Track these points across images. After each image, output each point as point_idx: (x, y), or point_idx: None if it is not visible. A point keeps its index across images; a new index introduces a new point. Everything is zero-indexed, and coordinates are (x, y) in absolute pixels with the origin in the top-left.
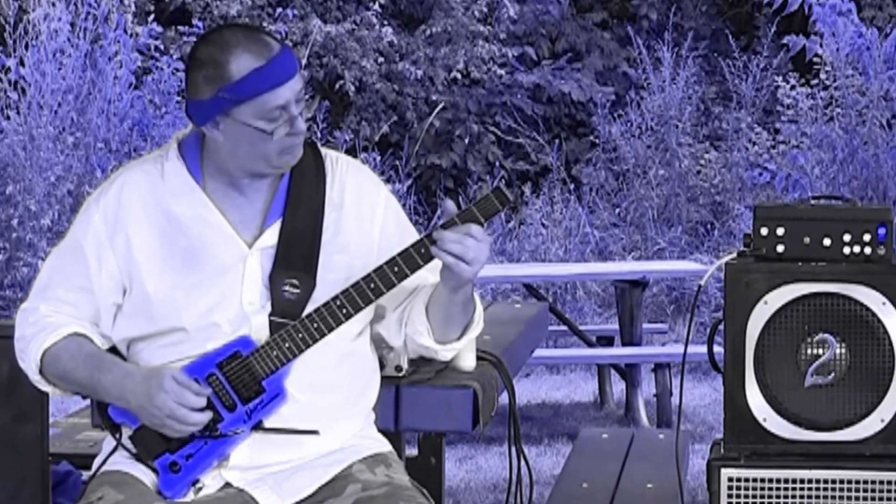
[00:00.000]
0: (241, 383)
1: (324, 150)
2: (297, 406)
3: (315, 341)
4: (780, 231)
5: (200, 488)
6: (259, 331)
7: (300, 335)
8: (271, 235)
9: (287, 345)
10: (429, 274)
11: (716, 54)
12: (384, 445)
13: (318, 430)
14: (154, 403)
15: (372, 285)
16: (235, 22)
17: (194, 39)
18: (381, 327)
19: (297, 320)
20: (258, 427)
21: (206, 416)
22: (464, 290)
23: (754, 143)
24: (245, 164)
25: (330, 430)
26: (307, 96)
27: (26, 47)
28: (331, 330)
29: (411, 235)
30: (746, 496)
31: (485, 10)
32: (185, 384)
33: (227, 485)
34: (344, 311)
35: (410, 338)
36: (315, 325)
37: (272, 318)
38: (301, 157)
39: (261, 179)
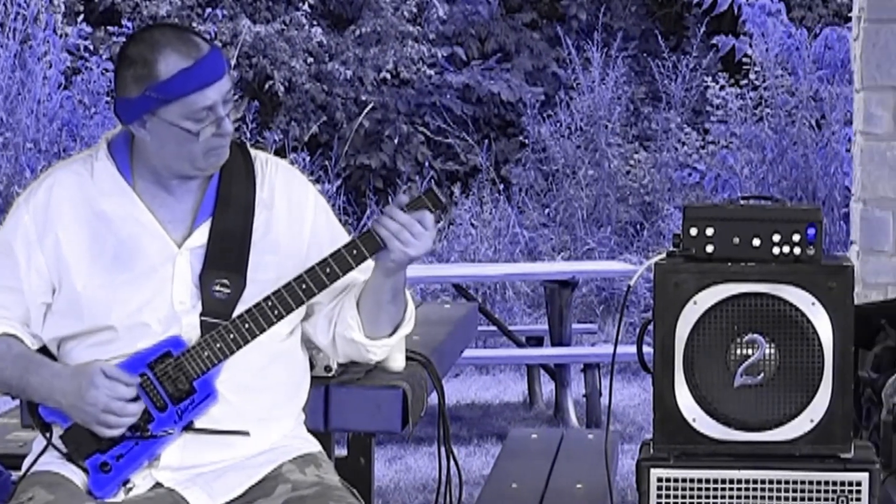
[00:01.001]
0: (172, 383)
1: (253, 152)
2: (228, 407)
3: (246, 342)
4: (710, 231)
5: (131, 488)
6: (190, 331)
7: (231, 336)
8: (201, 235)
9: (218, 345)
10: (359, 274)
11: (645, 54)
12: (314, 446)
13: (248, 432)
14: (86, 401)
15: (304, 286)
16: (167, 22)
17: (123, 40)
18: (309, 325)
19: (228, 321)
20: (189, 427)
21: (140, 407)
22: (395, 278)
23: (684, 144)
24: (171, 165)
25: (261, 430)
26: (236, 97)
27: None
28: (262, 331)
29: (341, 236)
30: (676, 496)
31: (414, 10)
32: (114, 377)
33: (158, 485)
34: (275, 311)
35: (340, 335)
36: (246, 325)
37: (203, 318)
38: (230, 157)
39: (190, 180)
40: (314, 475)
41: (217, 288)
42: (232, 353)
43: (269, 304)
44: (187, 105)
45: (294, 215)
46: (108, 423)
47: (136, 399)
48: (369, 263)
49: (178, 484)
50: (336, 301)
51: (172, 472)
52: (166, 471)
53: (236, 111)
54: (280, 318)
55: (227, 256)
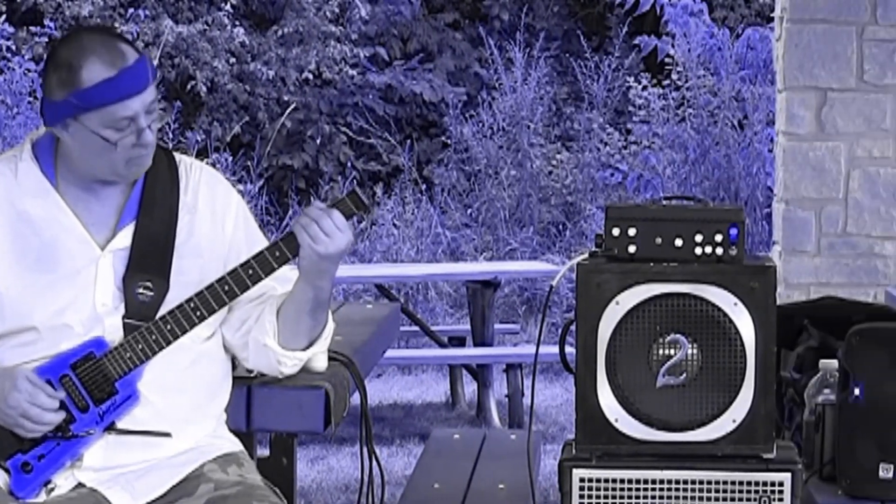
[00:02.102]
0: (94, 384)
1: (178, 156)
2: (150, 408)
3: (168, 343)
4: (632, 231)
5: (52, 489)
6: (113, 332)
7: (153, 337)
8: (124, 238)
9: (140, 346)
10: (277, 284)
11: (567, 55)
12: (235, 445)
13: (170, 433)
14: (7, 403)
15: (226, 287)
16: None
17: (46, 40)
18: (225, 327)
19: (150, 322)
20: (111, 428)
21: (59, 417)
22: (317, 288)
23: (606, 144)
24: (92, 170)
25: (183, 431)
26: (162, 108)
27: None
28: (184, 332)
29: (259, 241)
30: (598, 496)
31: (336, 10)
32: (38, 385)
33: (80, 485)
34: (198, 313)
35: (255, 339)
36: (168, 326)
37: (126, 319)
38: (155, 161)
39: (113, 184)
40: (236, 475)
41: (140, 290)
42: (154, 354)
43: (192, 305)
44: (108, 114)
45: (217, 219)
46: (24, 428)
47: (59, 408)
48: (291, 273)
49: (100, 484)
50: (253, 304)
51: (95, 472)
52: (89, 471)
53: (159, 121)
54: (202, 319)
55: (150, 259)
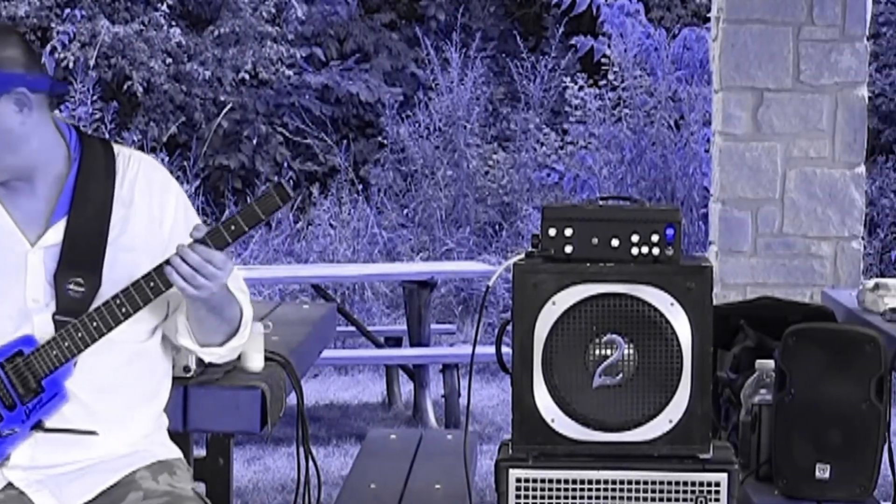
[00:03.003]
0: (22, 382)
1: (117, 148)
2: (80, 406)
3: (94, 340)
4: (569, 232)
5: None
6: (43, 329)
7: (80, 334)
8: (56, 234)
9: (66, 343)
10: None
11: (504, 55)
12: (172, 452)
13: (96, 431)
14: None
15: (152, 283)
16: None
17: None
18: (166, 325)
19: (77, 319)
20: (38, 426)
21: None
22: (205, 300)
23: (542, 144)
24: None
25: (115, 431)
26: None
27: None
28: (110, 328)
29: None
30: (535, 497)
31: (273, 10)
32: None
33: (10, 485)
34: (123, 309)
35: (175, 338)
36: (94, 323)
37: (56, 316)
38: (91, 154)
39: (46, 177)
40: (167, 484)
41: (71, 287)
42: (80, 351)
43: (118, 302)
44: None
45: (154, 213)
46: None
47: None
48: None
49: (28, 486)
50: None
51: (24, 471)
52: (17, 470)
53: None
54: (128, 316)
55: (82, 255)
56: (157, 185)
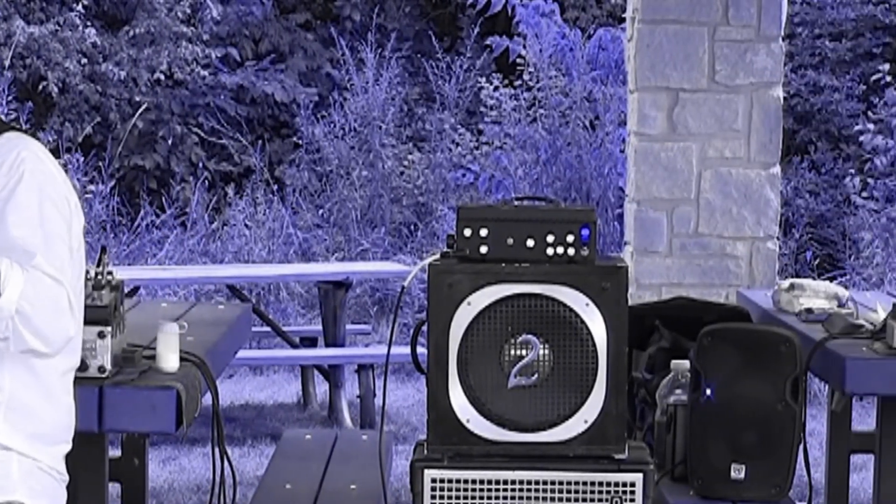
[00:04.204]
0: None
1: (8, 135)
2: None
3: None
4: (484, 232)
5: None
6: None
7: None
8: None
9: None
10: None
11: (419, 55)
12: (12, 494)
13: None
14: None
15: None
16: None
17: None
18: None
19: None
20: None
21: None
22: None
23: (458, 145)
24: None
25: None
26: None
27: None
28: None
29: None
30: (450, 497)
31: (188, 11)
32: None
33: None
34: None
35: None
36: None
37: None
38: None
39: None
40: None
41: None
42: None
43: None
44: None
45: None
46: None
47: None
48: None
49: None
50: None
51: None
52: None
53: None
54: None
55: None
56: (6, 176)
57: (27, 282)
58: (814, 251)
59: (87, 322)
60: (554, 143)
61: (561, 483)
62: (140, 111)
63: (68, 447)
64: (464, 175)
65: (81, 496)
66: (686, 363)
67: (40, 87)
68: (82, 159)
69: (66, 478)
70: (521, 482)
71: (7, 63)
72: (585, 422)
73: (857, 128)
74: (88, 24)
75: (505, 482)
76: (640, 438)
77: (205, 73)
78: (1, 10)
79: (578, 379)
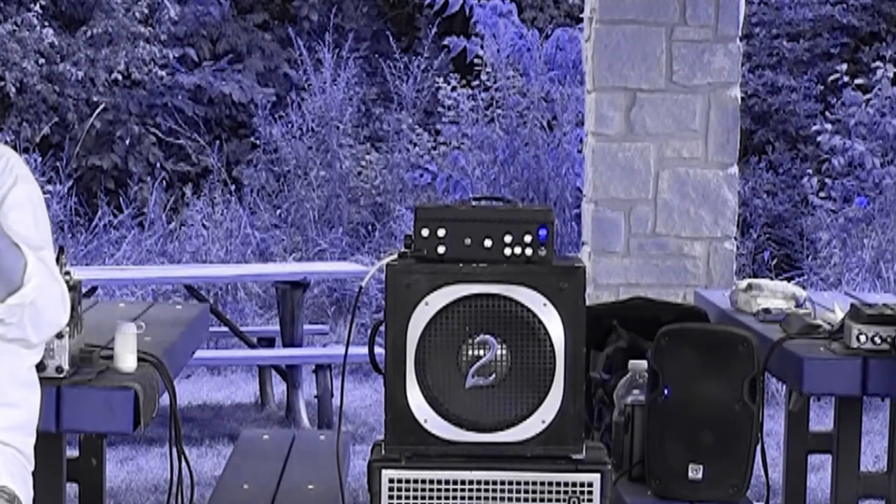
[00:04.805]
0: None
1: None
2: None
3: None
4: (441, 232)
5: None
6: None
7: None
8: None
9: None
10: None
11: (377, 55)
12: None
13: None
14: None
15: None
16: None
17: None
18: None
19: None
20: None
21: None
22: None
23: (415, 145)
24: None
25: None
26: None
27: None
28: None
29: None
30: (407, 497)
31: (146, 11)
32: None
33: None
34: None
35: None
36: None
37: None
38: None
39: None
40: None
41: None
42: None
43: None
44: None
45: None
46: None
47: None
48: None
49: None
50: None
51: None
52: None
53: None
54: None
55: None
56: None
57: (40, 274)
58: (771, 251)
59: None
60: (511, 144)
61: (518, 483)
62: (98, 111)
63: (34, 439)
64: (421, 175)
65: (39, 496)
66: (644, 363)
67: None
68: (40, 159)
69: (33, 467)
70: (479, 482)
71: None
72: (543, 422)
73: (814, 128)
74: (46, 24)
75: (462, 482)
76: (597, 439)
77: (162, 73)
78: None
79: (536, 379)
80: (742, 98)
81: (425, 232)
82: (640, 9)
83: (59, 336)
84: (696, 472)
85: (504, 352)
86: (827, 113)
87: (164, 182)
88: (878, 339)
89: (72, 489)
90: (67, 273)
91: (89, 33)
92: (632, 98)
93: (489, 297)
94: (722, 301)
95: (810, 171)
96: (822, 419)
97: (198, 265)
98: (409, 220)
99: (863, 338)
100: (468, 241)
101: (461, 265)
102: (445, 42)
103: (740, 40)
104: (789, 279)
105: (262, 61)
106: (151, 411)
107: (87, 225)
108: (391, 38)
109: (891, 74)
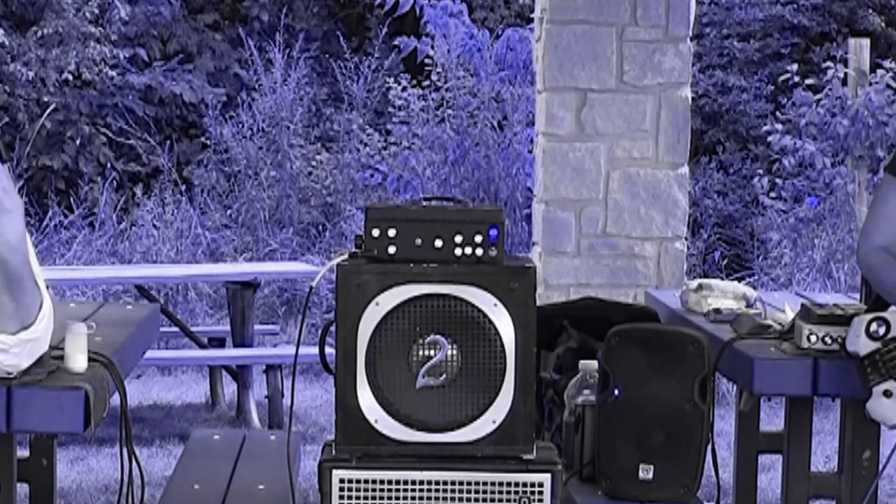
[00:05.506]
0: None
1: None
2: None
3: None
4: (392, 232)
5: None
6: None
7: None
8: None
9: None
10: None
11: (327, 55)
12: None
13: None
14: None
15: None
16: None
17: None
18: None
19: None
20: None
21: None
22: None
23: (366, 145)
24: None
25: None
26: None
27: None
28: None
29: None
30: (358, 497)
31: (96, 11)
32: None
33: None
34: None
35: None
36: None
37: None
38: None
39: None
40: None
41: None
42: None
43: None
44: None
45: None
46: None
47: None
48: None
49: None
50: None
51: None
52: None
53: None
54: None
55: None
56: None
57: (49, 313)
58: (722, 251)
59: None
60: (462, 144)
61: (469, 483)
62: (48, 111)
63: None
64: (372, 175)
65: None
66: (594, 363)
67: None
68: None
69: None
70: (430, 482)
71: None
72: (493, 422)
73: (765, 128)
74: None
75: (413, 482)
76: (548, 439)
77: (113, 73)
78: None
79: (486, 379)
80: (693, 98)
81: (376, 232)
82: (591, 9)
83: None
84: (646, 472)
85: (454, 352)
86: (777, 113)
87: (114, 182)
88: (828, 340)
89: (22, 489)
90: None
91: (40, 33)
92: (582, 98)
93: (440, 298)
94: (672, 301)
95: (761, 171)
96: (772, 419)
97: (148, 265)
98: (359, 220)
99: (813, 338)
100: (419, 241)
101: (412, 265)
102: (396, 42)
103: (691, 40)
104: (740, 279)
105: (212, 61)
106: (102, 411)
107: (38, 225)
108: (342, 39)
109: (841, 75)
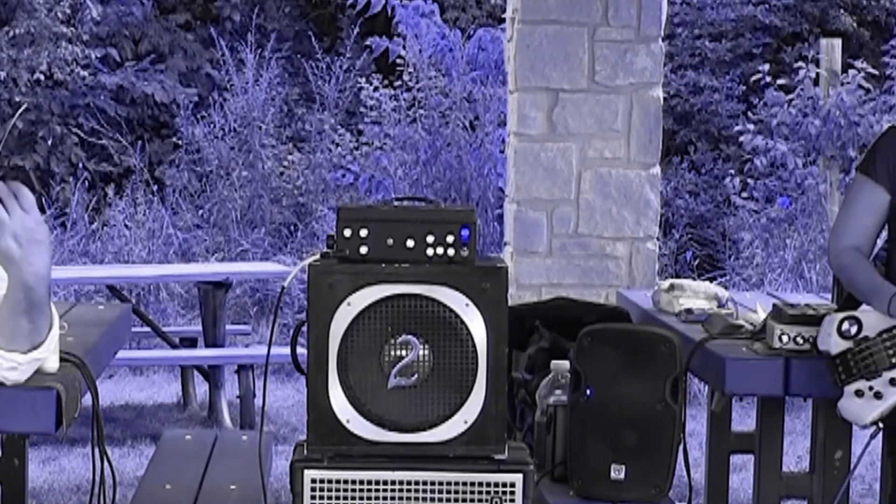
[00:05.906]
0: None
1: None
2: None
3: None
4: (364, 232)
5: None
6: None
7: None
8: None
9: None
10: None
11: (299, 56)
12: None
13: None
14: None
15: None
16: None
17: None
18: None
19: None
20: None
21: None
22: (29, 289)
23: (338, 145)
24: None
25: None
26: None
27: None
28: None
29: None
30: (330, 497)
31: (68, 11)
32: None
33: None
34: None
35: None
36: None
37: None
38: None
39: None
40: None
41: None
42: None
43: None
44: None
45: None
46: None
47: None
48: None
49: None
50: None
51: None
52: None
53: None
54: None
55: None
56: None
57: (56, 334)
58: (694, 251)
59: None
60: (434, 144)
61: (441, 483)
62: (20, 112)
63: None
64: (344, 175)
65: None
66: (566, 363)
67: None
68: None
69: None
70: (402, 482)
71: None
72: (465, 422)
73: (737, 128)
74: None
75: (385, 482)
76: (520, 439)
77: (85, 73)
78: None
79: (458, 379)
80: (664, 98)
81: (347, 232)
82: (563, 9)
83: None
84: (618, 472)
85: (426, 352)
86: (749, 113)
87: (86, 182)
88: (800, 340)
89: None
90: None
91: (11, 33)
92: (554, 98)
93: (411, 298)
94: (644, 301)
95: (732, 171)
96: (744, 419)
97: (120, 265)
98: (331, 220)
99: (785, 338)
100: (391, 241)
101: (383, 265)
102: (368, 42)
103: (662, 41)
104: (711, 279)
105: (184, 61)
106: (74, 411)
107: None
108: (313, 39)
109: (813, 75)
